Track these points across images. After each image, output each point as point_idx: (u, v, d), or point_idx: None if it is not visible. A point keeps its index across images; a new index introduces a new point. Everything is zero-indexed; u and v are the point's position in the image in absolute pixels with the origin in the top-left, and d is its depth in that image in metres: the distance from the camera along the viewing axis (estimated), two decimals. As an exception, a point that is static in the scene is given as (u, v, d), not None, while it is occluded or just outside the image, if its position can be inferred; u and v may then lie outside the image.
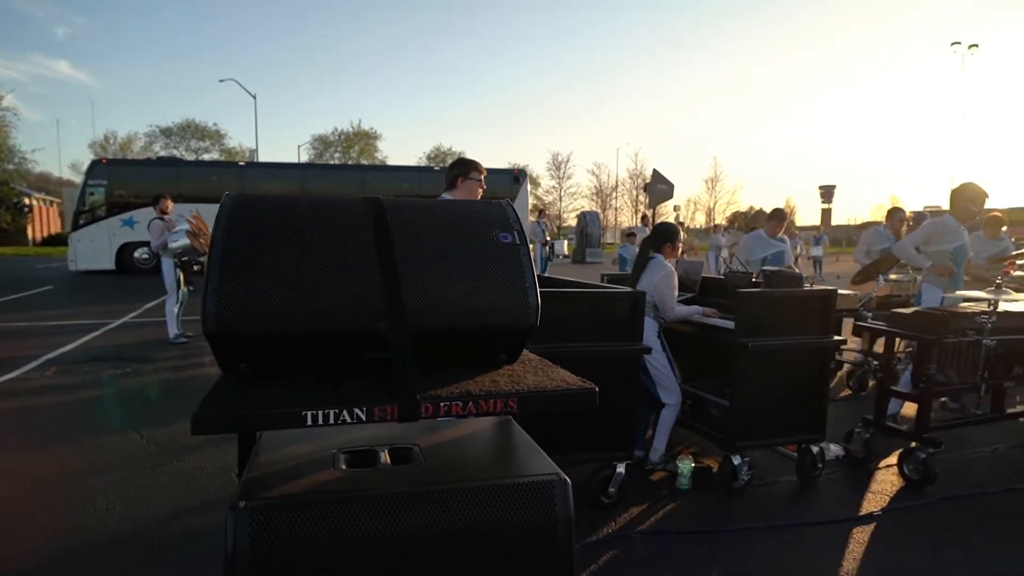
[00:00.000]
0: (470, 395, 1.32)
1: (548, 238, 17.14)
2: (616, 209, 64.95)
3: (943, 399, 5.18)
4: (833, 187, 26.51)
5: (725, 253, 16.59)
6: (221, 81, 40.53)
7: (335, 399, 1.25)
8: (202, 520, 3.21)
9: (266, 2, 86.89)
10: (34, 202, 44.20)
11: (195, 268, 8.07)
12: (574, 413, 3.19)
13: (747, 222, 41.40)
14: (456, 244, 1.51)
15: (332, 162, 48.98)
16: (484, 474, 1.39)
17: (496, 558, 1.31)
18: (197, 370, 6.63)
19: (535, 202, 52.14)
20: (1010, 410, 4.63)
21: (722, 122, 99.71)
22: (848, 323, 5.82)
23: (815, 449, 3.72)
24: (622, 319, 3.29)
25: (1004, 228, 8.04)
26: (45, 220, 46.63)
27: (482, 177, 3.44)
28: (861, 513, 3.36)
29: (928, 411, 3.80)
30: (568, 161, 63.13)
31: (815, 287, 4.18)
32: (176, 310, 7.98)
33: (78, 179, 34.48)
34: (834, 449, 4.10)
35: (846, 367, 6.32)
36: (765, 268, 4.81)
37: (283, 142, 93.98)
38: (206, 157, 48.61)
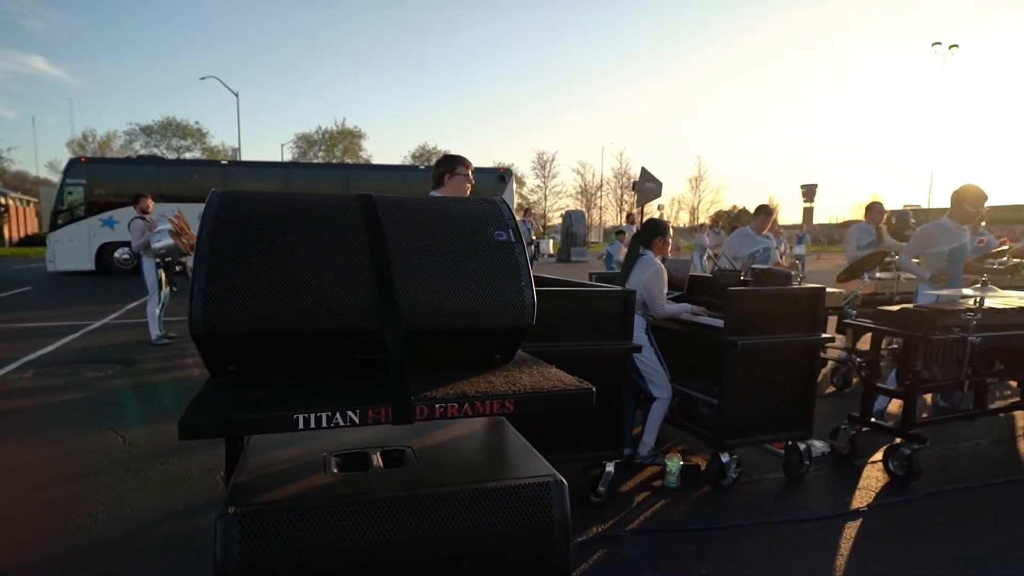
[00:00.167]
0: (466, 396, 1.30)
1: (533, 237, 17.13)
2: (601, 208, 65.20)
3: (939, 398, 5.24)
4: (815, 186, 26.74)
5: (710, 252, 16.69)
6: (202, 79, 39.97)
7: (327, 401, 1.22)
8: (187, 524, 3.15)
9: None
10: (10, 202, 43.39)
11: (176, 269, 7.97)
12: (569, 413, 3.18)
13: (730, 221, 41.72)
14: (450, 242, 1.48)
15: (316, 161, 48.60)
16: (479, 476, 1.37)
17: (492, 562, 1.29)
18: (180, 371, 6.54)
19: (520, 201, 52.20)
20: (992, 406, 4.70)
21: (706, 121, 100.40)
22: (832, 320, 5.87)
23: (802, 446, 3.74)
24: (613, 317, 3.28)
25: (983, 223, 8.17)
26: (22, 220, 45.80)
27: (469, 172, 3.38)
28: (848, 509, 3.39)
29: (914, 407, 3.83)
30: (553, 160, 63.24)
31: (804, 285, 4.20)
32: (158, 311, 7.86)
33: (56, 178, 34.01)
34: (819, 446, 4.13)
35: (830, 364, 6.37)
36: (755, 266, 4.83)
37: (266, 141, 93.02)
38: (188, 156, 48.01)
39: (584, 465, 3.34)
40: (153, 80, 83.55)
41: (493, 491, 1.32)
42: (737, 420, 3.57)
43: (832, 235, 49.71)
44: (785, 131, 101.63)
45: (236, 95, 34.62)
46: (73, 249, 18.46)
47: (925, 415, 4.99)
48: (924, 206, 33.42)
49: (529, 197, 60.33)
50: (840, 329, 6.07)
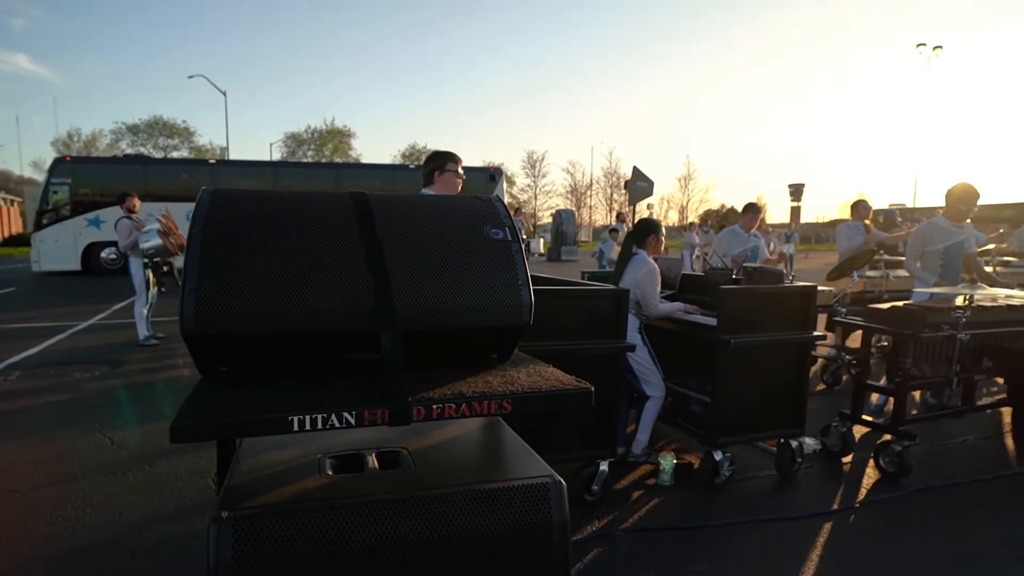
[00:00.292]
0: (463, 396, 1.28)
1: (524, 236, 17.12)
2: (591, 207, 65.32)
3: (928, 395, 5.27)
4: (802, 185, 26.82)
5: (699, 251, 16.76)
6: (190, 77, 39.69)
7: (322, 402, 1.20)
8: (177, 527, 3.11)
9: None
10: (-6, 201, 42.93)
11: (164, 269, 7.89)
12: (567, 413, 3.17)
13: (719, 220, 41.92)
14: (446, 241, 1.47)
15: (305, 160, 48.34)
16: (476, 477, 1.35)
17: (490, 564, 1.28)
18: (169, 372, 6.47)
19: (510, 200, 52.16)
20: (979, 403, 4.74)
21: (694, 121, 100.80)
22: (822, 318, 5.89)
23: (794, 444, 3.75)
24: (606, 316, 3.27)
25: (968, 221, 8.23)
26: (6, 220, 45.24)
27: (459, 168, 3.34)
28: (840, 506, 3.40)
29: (904, 404, 3.86)
30: (543, 159, 63.36)
31: (794, 283, 4.22)
32: (145, 311, 7.77)
33: (40, 177, 33.53)
34: (811, 443, 4.15)
35: (820, 362, 6.40)
36: (747, 265, 4.84)
37: (255, 140, 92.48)
38: (175, 155, 47.59)
39: (578, 464, 3.33)
40: (140, 79, 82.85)
41: (491, 492, 1.30)
42: (730, 418, 3.58)
43: (819, 234, 50.05)
44: (773, 131, 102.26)
45: (224, 94, 34.39)
46: (58, 249, 18.26)
47: (914, 412, 5.02)
48: (909, 205, 33.71)
49: (519, 196, 60.36)
50: (830, 327, 6.11)
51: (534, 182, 63.03)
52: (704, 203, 62.26)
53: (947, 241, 4.87)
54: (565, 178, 73.64)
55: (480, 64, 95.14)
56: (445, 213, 1.54)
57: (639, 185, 11.84)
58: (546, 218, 55.13)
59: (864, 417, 4.09)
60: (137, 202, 7.94)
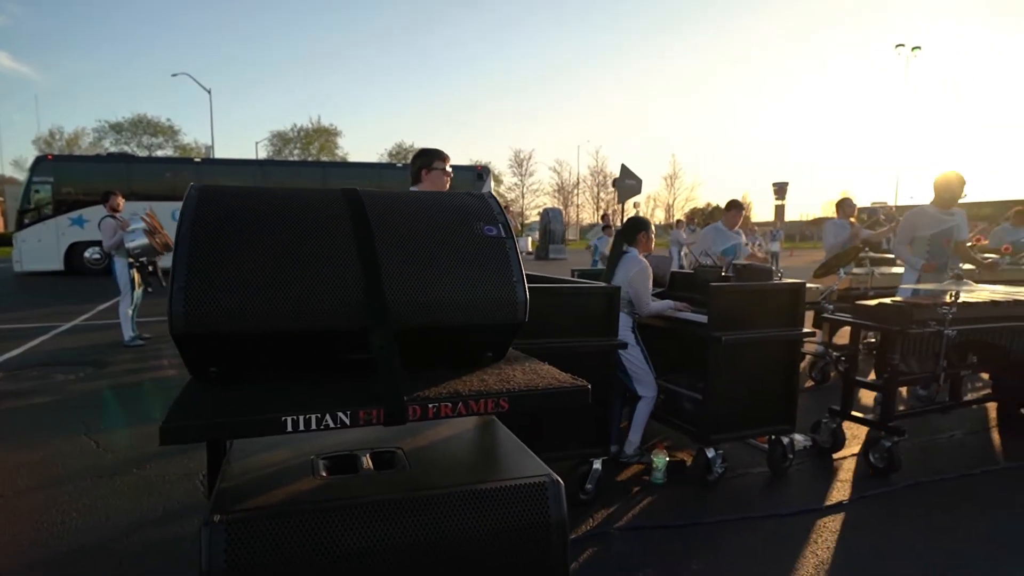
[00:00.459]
0: (459, 395, 1.26)
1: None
2: (578, 206, 65.46)
3: (917, 389, 5.32)
4: (786, 184, 27.04)
5: (687, 248, 16.82)
6: (174, 75, 39.29)
7: (316, 402, 1.18)
8: (166, 531, 3.07)
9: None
10: (-26, 200, 42.26)
11: (150, 269, 7.79)
12: (556, 411, 3.15)
13: (705, 218, 42.14)
14: (439, 238, 1.45)
15: (291, 159, 48.00)
16: (473, 477, 1.34)
17: (488, 565, 1.26)
18: (155, 373, 6.40)
19: (498, 199, 52.00)
20: (965, 398, 4.79)
21: (680, 120, 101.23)
22: (809, 315, 5.92)
23: (785, 440, 3.76)
24: (598, 314, 3.26)
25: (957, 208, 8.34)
26: (-14, 219, 44.58)
27: (447, 166, 3.31)
28: (832, 502, 3.41)
29: (893, 400, 3.88)
30: (530, 158, 63.43)
31: (783, 280, 4.23)
32: (130, 312, 7.68)
33: (21, 176, 33.14)
34: (801, 440, 4.16)
35: (808, 359, 6.44)
36: (736, 262, 4.86)
37: (241, 139, 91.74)
38: (159, 154, 47.09)
39: (572, 463, 3.32)
40: (123, 77, 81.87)
41: (488, 492, 1.28)
42: (722, 415, 3.58)
43: (803, 232, 50.43)
44: (757, 130, 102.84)
45: (209, 92, 34.09)
46: (41, 249, 18.02)
47: (902, 407, 5.06)
48: (891, 203, 34.09)
49: (506, 195, 60.34)
50: (817, 324, 6.14)
51: (521, 181, 63.13)
52: (690, 201, 62.65)
53: (934, 228, 4.93)
54: (552, 177, 73.75)
55: (467, 63, 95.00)
56: (437, 209, 1.52)
57: (627, 183, 11.86)
58: (534, 217, 55.16)
59: (854, 413, 4.11)
60: (121, 201, 7.83)
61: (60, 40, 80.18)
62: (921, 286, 4.52)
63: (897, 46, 41.74)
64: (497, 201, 1.64)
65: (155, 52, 79.73)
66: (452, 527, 1.23)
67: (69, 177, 18.60)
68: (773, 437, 3.77)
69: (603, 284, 3.44)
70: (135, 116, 49.98)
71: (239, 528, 1.12)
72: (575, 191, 64.88)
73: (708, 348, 3.49)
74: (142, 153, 44.60)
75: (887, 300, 4.17)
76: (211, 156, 33.88)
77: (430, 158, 3.27)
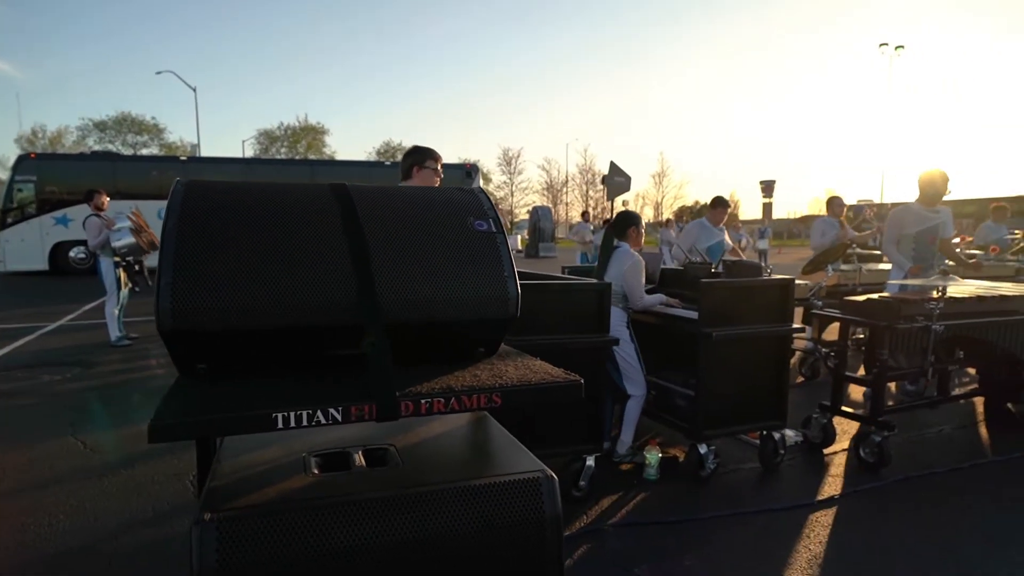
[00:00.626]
0: (452, 391, 1.25)
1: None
2: (567, 204, 65.49)
3: (906, 384, 5.36)
4: (773, 182, 27.16)
5: (674, 247, 16.88)
6: (158, 73, 39.04)
7: (307, 399, 1.16)
8: (156, 532, 3.03)
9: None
10: (-44, 200, 41.73)
11: (136, 268, 7.72)
12: (548, 408, 3.15)
13: (693, 216, 42.33)
14: (430, 233, 1.43)
15: (279, 157, 47.72)
16: (467, 474, 1.32)
17: (483, 562, 1.25)
18: (143, 373, 6.34)
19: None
20: (953, 393, 4.83)
21: (669, 118, 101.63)
22: (798, 312, 5.95)
23: (777, 436, 3.78)
24: (590, 311, 3.26)
25: (942, 205, 8.48)
26: (-31, 219, 44.02)
27: (438, 166, 3.29)
28: (823, 497, 3.43)
29: (882, 395, 3.91)
30: (519, 156, 63.38)
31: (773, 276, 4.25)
32: (117, 311, 7.60)
33: (4, 175, 32.66)
34: (792, 435, 4.18)
35: (798, 355, 6.48)
36: (726, 259, 4.87)
37: (227, 137, 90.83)
38: (144, 152, 46.67)
39: (564, 460, 3.32)
40: (106, 75, 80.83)
41: (482, 488, 1.27)
42: (713, 411, 3.59)
43: (791, 229, 50.76)
44: (744, 129, 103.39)
45: (194, 90, 33.82)
46: (25, 248, 17.83)
47: (890, 403, 5.10)
48: (877, 201, 34.40)
49: (495, 193, 60.29)
50: (807, 320, 6.18)
51: (510, 179, 63.08)
52: (678, 199, 62.87)
53: (919, 226, 4.97)
54: (541, 175, 73.85)
55: (455, 61, 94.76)
56: (427, 204, 1.51)
57: (617, 180, 11.87)
58: (523, 215, 55.20)
59: (844, 409, 4.14)
60: (106, 199, 7.75)
61: (42, 37, 79.13)
62: (908, 282, 4.55)
63: (881, 45, 42.15)
64: (487, 196, 1.63)
65: (139, 50, 78.77)
66: (446, 524, 1.22)
67: (53, 176, 18.41)
68: (764, 433, 3.78)
69: (594, 281, 3.44)
70: (119, 114, 49.41)
71: (230, 527, 1.10)
72: (564, 189, 64.98)
73: (699, 344, 3.50)
74: (127, 152, 44.16)
75: (875, 296, 4.19)
76: (197, 154, 33.62)
77: (423, 156, 3.25)
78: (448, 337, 1.44)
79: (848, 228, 7.02)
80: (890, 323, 3.76)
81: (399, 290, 1.33)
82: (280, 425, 1.11)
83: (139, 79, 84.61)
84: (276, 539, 1.11)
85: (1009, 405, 4.87)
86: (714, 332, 3.46)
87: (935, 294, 3.82)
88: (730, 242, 6.31)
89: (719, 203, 6.18)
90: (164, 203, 1.36)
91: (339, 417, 1.15)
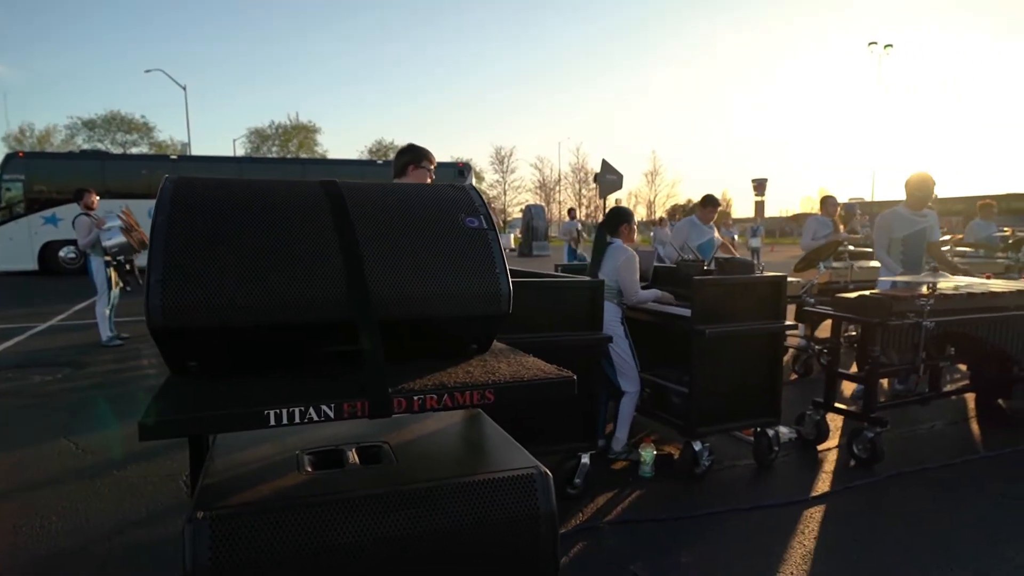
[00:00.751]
0: (444, 387, 1.25)
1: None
2: (560, 203, 65.46)
3: (896, 381, 5.38)
4: (765, 180, 27.24)
5: (668, 247, 16.89)
6: (147, 71, 38.77)
7: (299, 395, 1.16)
8: (150, 533, 3.01)
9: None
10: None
11: (127, 267, 7.67)
12: (543, 405, 3.14)
13: (686, 215, 42.43)
14: (421, 229, 1.43)
15: (270, 155, 47.46)
16: (461, 470, 1.32)
17: (478, 557, 1.25)
18: (134, 373, 6.29)
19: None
20: (944, 389, 4.86)
21: (661, 117, 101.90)
22: (791, 309, 5.97)
23: (771, 432, 3.79)
24: (583, 308, 3.26)
25: (928, 208, 8.53)
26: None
27: (432, 167, 3.29)
28: (817, 493, 3.44)
29: (875, 392, 3.92)
30: (511, 155, 63.26)
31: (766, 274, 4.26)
32: (107, 311, 7.55)
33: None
34: (786, 432, 4.20)
35: (791, 352, 6.50)
36: (718, 256, 4.88)
37: (217, 136, 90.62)
38: (134, 151, 46.33)
39: (559, 457, 3.32)
40: (95, 74, 79.96)
41: (476, 485, 1.27)
42: (707, 409, 3.60)
43: (783, 228, 50.96)
44: (736, 127, 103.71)
45: (184, 88, 33.60)
46: (13, 248, 17.69)
47: (882, 399, 5.12)
48: (868, 199, 34.59)
49: (488, 192, 60.23)
50: (799, 318, 6.20)
51: (503, 178, 62.99)
52: (671, 198, 62.95)
53: (907, 230, 4.99)
54: (533, 174, 73.79)
55: (446, 60, 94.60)
56: (418, 201, 1.50)
57: (609, 178, 11.89)
58: (516, 214, 55.18)
59: (837, 405, 4.16)
60: (95, 198, 7.69)
61: (29, 36, 78.42)
62: (899, 278, 4.57)
63: (870, 44, 42.42)
64: (479, 193, 1.62)
65: (127, 48, 78.05)
66: (440, 520, 1.22)
67: (41, 175, 18.28)
68: (759, 430, 3.79)
69: (587, 278, 3.44)
70: (108, 113, 48.79)
71: (223, 524, 1.09)
72: (557, 188, 65.00)
73: (692, 341, 3.50)
74: (116, 150, 43.83)
75: (867, 293, 4.21)
76: (187, 153, 33.44)
77: (419, 156, 3.23)
78: (440, 334, 1.43)
79: (841, 228, 7.06)
80: (882, 320, 3.77)
81: (391, 286, 1.32)
82: (272, 422, 1.10)
83: (128, 78, 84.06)
84: (269, 537, 1.11)
85: (1000, 401, 4.90)
86: (707, 329, 3.46)
87: (925, 290, 3.83)
88: (720, 238, 6.32)
89: (709, 202, 6.19)
90: (154, 202, 1.35)
91: (331, 414, 1.14)
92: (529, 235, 30.63)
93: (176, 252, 1.21)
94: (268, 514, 1.13)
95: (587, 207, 61.06)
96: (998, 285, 4.57)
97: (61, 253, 18.03)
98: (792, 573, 2.66)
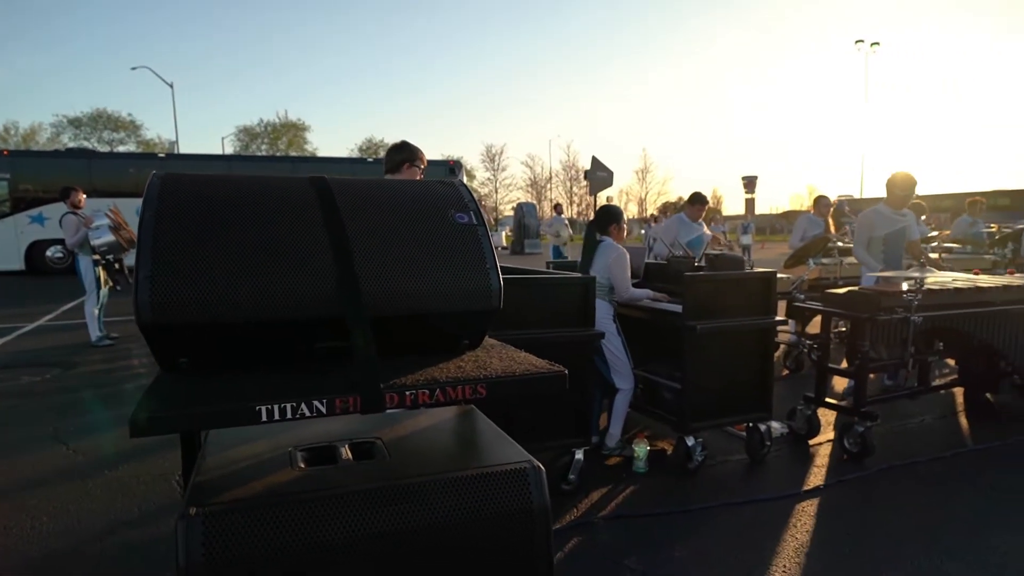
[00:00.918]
0: (436, 382, 1.24)
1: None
2: (551, 200, 65.53)
3: (885, 377, 5.42)
4: (755, 177, 27.34)
5: (658, 244, 16.93)
6: (134, 69, 38.31)
7: (291, 391, 1.15)
8: (143, 533, 2.99)
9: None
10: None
11: (116, 266, 7.61)
12: (536, 401, 3.15)
13: (677, 212, 42.56)
14: (411, 225, 1.42)
15: (259, 154, 47.16)
16: (454, 465, 1.32)
17: (472, 552, 1.24)
18: (124, 373, 6.25)
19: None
20: (933, 383, 4.90)
21: (652, 114, 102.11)
22: (781, 305, 6.00)
23: (763, 427, 3.81)
24: (575, 305, 3.26)
25: (924, 216, 8.60)
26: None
27: (423, 167, 3.30)
28: (809, 487, 3.47)
29: (864, 386, 3.95)
30: (502, 153, 63.23)
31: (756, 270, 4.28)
32: (96, 311, 7.49)
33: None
34: (778, 427, 4.22)
35: (782, 348, 6.54)
36: (708, 252, 4.90)
37: (206, 134, 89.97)
38: (121, 149, 45.94)
39: (553, 454, 3.33)
40: (80, 71, 79.14)
41: (469, 479, 1.27)
42: (700, 404, 3.61)
43: (773, 225, 51.17)
44: (729, 125, 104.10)
45: (171, 86, 33.34)
46: (-1, 248, 17.51)
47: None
48: (856, 196, 34.77)
49: (480, 190, 60.19)
50: (790, 313, 6.24)
51: (494, 175, 62.96)
52: (662, 195, 63.14)
53: (888, 228, 5.02)
54: (525, 172, 73.82)
55: (437, 58, 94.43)
56: (408, 197, 1.50)
57: (599, 175, 11.91)
58: (507, 211, 55.16)
59: (828, 400, 4.18)
60: (82, 197, 7.63)
61: (11, 33, 77.54)
62: (887, 274, 4.60)
63: (856, 42, 42.55)
64: (468, 189, 1.62)
65: (113, 46, 77.10)
66: (433, 515, 1.21)
67: (27, 173, 18.09)
68: (751, 425, 3.81)
69: (579, 275, 3.45)
70: (94, 111, 48.23)
71: (217, 521, 1.09)
72: (548, 186, 65.05)
73: (684, 337, 3.52)
74: (103, 149, 43.44)
75: (856, 288, 4.24)
76: (175, 151, 33.20)
77: (414, 155, 3.22)
78: (432, 329, 1.43)
79: (832, 233, 7.11)
80: (871, 315, 3.80)
81: (381, 282, 1.32)
82: (264, 418, 1.10)
83: (114, 75, 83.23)
84: (263, 533, 1.10)
85: (988, 395, 4.95)
86: (698, 325, 3.48)
87: (912, 286, 3.86)
88: (710, 233, 6.35)
89: (697, 199, 6.22)
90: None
91: (323, 409, 1.14)
92: (521, 233, 30.67)
93: (164, 248, 1.20)
94: (261, 510, 1.12)
95: (578, 204, 61.13)
96: (985, 281, 4.61)
97: (48, 253, 17.88)
98: (785, 566, 2.68)
